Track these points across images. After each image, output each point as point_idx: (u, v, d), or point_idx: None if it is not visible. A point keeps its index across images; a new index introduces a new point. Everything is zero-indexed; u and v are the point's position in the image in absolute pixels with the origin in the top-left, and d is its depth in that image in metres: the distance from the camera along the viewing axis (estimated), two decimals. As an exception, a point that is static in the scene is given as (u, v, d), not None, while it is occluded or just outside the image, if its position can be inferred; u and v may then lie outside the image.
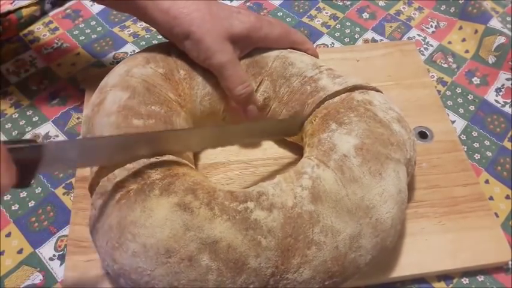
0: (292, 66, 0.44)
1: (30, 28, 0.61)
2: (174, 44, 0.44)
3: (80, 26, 0.62)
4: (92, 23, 0.62)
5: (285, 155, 0.47)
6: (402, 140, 0.39)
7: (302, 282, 0.34)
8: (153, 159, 0.36)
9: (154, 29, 0.47)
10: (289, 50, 0.46)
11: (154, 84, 0.40)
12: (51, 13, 0.63)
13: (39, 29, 0.61)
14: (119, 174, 0.36)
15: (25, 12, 0.60)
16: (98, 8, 0.64)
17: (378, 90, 0.44)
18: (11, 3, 0.61)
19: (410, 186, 0.45)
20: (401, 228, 0.39)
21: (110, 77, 0.42)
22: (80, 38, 0.60)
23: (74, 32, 0.61)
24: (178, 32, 0.41)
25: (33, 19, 0.61)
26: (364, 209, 0.35)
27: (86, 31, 0.61)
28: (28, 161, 0.28)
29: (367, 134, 0.38)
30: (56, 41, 0.60)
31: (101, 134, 0.38)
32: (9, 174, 0.26)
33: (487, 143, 0.51)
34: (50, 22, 0.62)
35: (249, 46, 0.44)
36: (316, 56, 0.47)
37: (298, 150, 0.47)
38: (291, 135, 0.45)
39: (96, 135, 0.38)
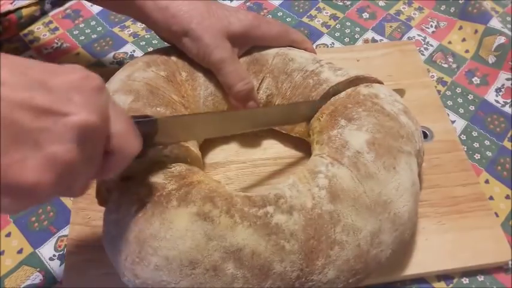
0: (292, 62, 0.44)
1: (30, 28, 0.61)
2: (173, 47, 0.44)
3: (80, 25, 0.62)
4: (92, 23, 0.62)
5: (285, 154, 0.47)
6: (411, 131, 0.39)
7: (327, 282, 0.34)
8: (166, 169, 0.36)
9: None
10: (287, 47, 0.46)
11: (157, 86, 0.40)
12: (51, 13, 0.63)
13: (39, 29, 0.61)
14: (132, 186, 0.35)
15: (25, 12, 0.60)
16: (98, 8, 0.64)
17: (380, 82, 0.44)
18: (11, 3, 0.61)
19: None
20: (417, 219, 0.39)
21: (111, 83, 0.42)
22: (80, 38, 0.60)
23: (74, 32, 0.61)
24: (177, 30, 0.41)
25: (33, 19, 0.61)
26: (382, 204, 0.35)
27: (86, 31, 0.61)
28: (145, 134, 0.30)
29: (377, 128, 0.38)
30: (56, 41, 0.60)
31: None
32: (138, 141, 0.29)
33: (487, 143, 0.51)
34: (50, 22, 0.62)
35: (247, 44, 0.44)
36: None
37: (299, 149, 0.47)
38: (299, 121, 0.44)
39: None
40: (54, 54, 0.58)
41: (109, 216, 0.35)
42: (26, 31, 0.61)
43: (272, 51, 0.45)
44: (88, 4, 0.64)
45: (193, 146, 0.40)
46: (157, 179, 0.35)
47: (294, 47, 0.47)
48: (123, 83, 0.41)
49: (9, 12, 0.59)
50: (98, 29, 0.62)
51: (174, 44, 0.43)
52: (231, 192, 0.36)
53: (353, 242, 0.34)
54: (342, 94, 0.42)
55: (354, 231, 0.34)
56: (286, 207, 0.34)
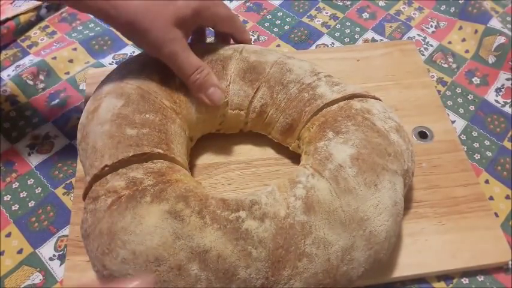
0: (290, 73, 0.44)
1: (27, 33, 0.61)
2: None
3: (78, 28, 0.62)
4: (90, 25, 0.62)
5: (285, 155, 0.47)
6: (400, 150, 0.39)
7: None
8: (146, 164, 0.36)
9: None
10: (287, 55, 0.46)
11: (149, 91, 0.40)
12: (47, 18, 0.63)
13: (36, 34, 0.61)
14: (111, 179, 0.36)
15: (23, 18, 0.60)
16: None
17: (377, 99, 0.44)
18: (11, 3, 0.61)
19: (410, 187, 0.45)
20: (396, 240, 0.38)
21: (105, 83, 0.42)
22: (79, 40, 0.60)
23: (73, 35, 0.61)
24: (122, 23, 0.38)
25: (30, 25, 0.61)
26: (358, 220, 0.34)
27: (85, 32, 0.61)
28: None
29: (363, 143, 0.38)
30: (55, 44, 0.60)
31: (94, 143, 0.37)
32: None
33: (487, 143, 0.51)
34: (47, 26, 0.62)
35: (196, 25, 0.43)
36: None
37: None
38: None
39: (90, 144, 0.38)
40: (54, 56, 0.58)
41: (88, 206, 0.36)
42: (22, 37, 0.61)
43: (271, 59, 0.44)
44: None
45: (179, 153, 0.40)
46: (137, 173, 0.35)
47: (234, 36, 0.46)
48: (116, 85, 0.41)
49: (7, 19, 0.59)
50: (96, 29, 0.62)
51: (128, 38, 0.42)
52: (207, 194, 0.36)
53: (323, 256, 0.33)
54: (334, 106, 0.42)
55: (324, 244, 0.33)
56: (259, 213, 0.34)
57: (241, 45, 0.46)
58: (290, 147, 0.45)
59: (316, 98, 0.42)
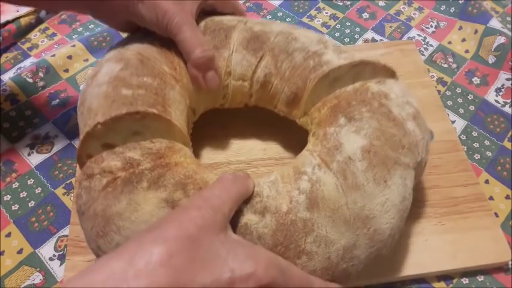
0: (295, 41, 0.41)
1: (27, 36, 0.61)
2: None
3: (78, 29, 0.62)
4: (90, 26, 0.62)
5: (285, 155, 0.47)
6: (415, 141, 0.37)
7: None
8: (144, 143, 0.35)
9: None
10: (293, 26, 0.44)
11: (149, 57, 0.39)
12: (47, 20, 0.63)
13: (36, 36, 0.61)
14: (107, 157, 0.34)
15: (23, 21, 0.60)
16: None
17: (390, 70, 0.41)
18: (17, 11, 0.61)
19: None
20: (399, 236, 0.37)
21: (108, 52, 0.41)
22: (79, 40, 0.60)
23: (73, 36, 0.61)
24: None
25: (30, 27, 0.61)
26: (363, 219, 0.33)
27: (85, 34, 0.61)
28: None
29: (377, 134, 0.36)
30: (56, 46, 0.60)
31: (90, 104, 0.36)
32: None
33: (487, 143, 0.51)
34: (47, 28, 0.62)
35: (200, 8, 0.42)
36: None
37: (299, 150, 0.47)
38: None
39: (86, 106, 0.37)
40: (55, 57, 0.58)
41: (82, 182, 0.35)
42: (23, 39, 0.61)
43: (276, 29, 0.43)
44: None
45: (177, 119, 0.38)
46: (134, 154, 0.34)
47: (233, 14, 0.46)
48: (118, 51, 0.40)
49: (8, 22, 0.59)
50: (96, 29, 0.62)
51: (126, 16, 0.40)
52: (208, 181, 0.34)
53: (323, 254, 0.32)
54: (349, 88, 0.39)
55: (326, 243, 0.32)
56: (260, 207, 0.33)
57: (246, 18, 0.45)
58: (298, 122, 0.43)
59: (322, 64, 0.40)
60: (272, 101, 0.44)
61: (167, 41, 0.40)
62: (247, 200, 0.33)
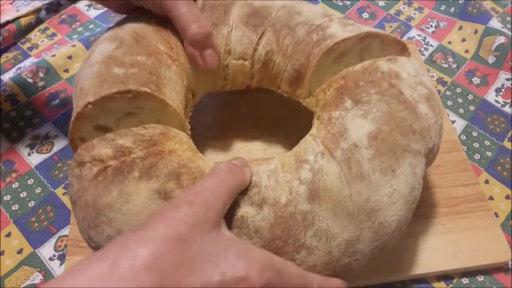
0: (298, 15, 0.39)
1: (27, 36, 0.61)
2: None
3: (78, 29, 0.62)
4: (90, 26, 0.62)
5: (285, 155, 0.47)
6: (427, 125, 0.34)
7: None
8: (136, 129, 0.33)
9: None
10: (298, 1, 0.42)
11: (144, 35, 0.37)
12: (47, 20, 0.63)
13: (36, 36, 0.61)
14: (97, 144, 0.33)
15: (23, 21, 0.60)
16: (95, 12, 0.64)
17: (401, 43, 0.38)
18: (11, 3, 0.61)
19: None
20: (406, 228, 0.35)
21: (105, 33, 0.40)
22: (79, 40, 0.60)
23: (73, 36, 0.61)
24: None
25: (29, 27, 0.61)
26: (367, 211, 0.31)
27: (85, 34, 0.61)
28: None
29: (386, 119, 0.33)
30: (56, 46, 0.60)
31: (82, 85, 0.35)
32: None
33: (487, 143, 0.51)
34: (47, 28, 0.62)
35: None
36: None
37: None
38: None
39: (79, 87, 0.36)
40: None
41: (74, 170, 0.34)
42: (23, 39, 0.61)
43: (278, 3, 0.40)
44: (84, 9, 0.64)
45: (173, 100, 0.36)
46: (125, 141, 0.33)
47: None
48: (113, 31, 0.38)
49: (8, 22, 0.59)
50: (96, 29, 0.62)
51: None
52: (203, 170, 0.32)
53: (323, 249, 0.31)
54: (357, 67, 0.36)
55: (327, 237, 0.31)
56: (257, 198, 0.31)
57: None
58: (303, 102, 0.40)
59: (326, 38, 0.37)
60: (275, 81, 0.41)
61: (164, 20, 0.38)
62: (244, 190, 0.31)
